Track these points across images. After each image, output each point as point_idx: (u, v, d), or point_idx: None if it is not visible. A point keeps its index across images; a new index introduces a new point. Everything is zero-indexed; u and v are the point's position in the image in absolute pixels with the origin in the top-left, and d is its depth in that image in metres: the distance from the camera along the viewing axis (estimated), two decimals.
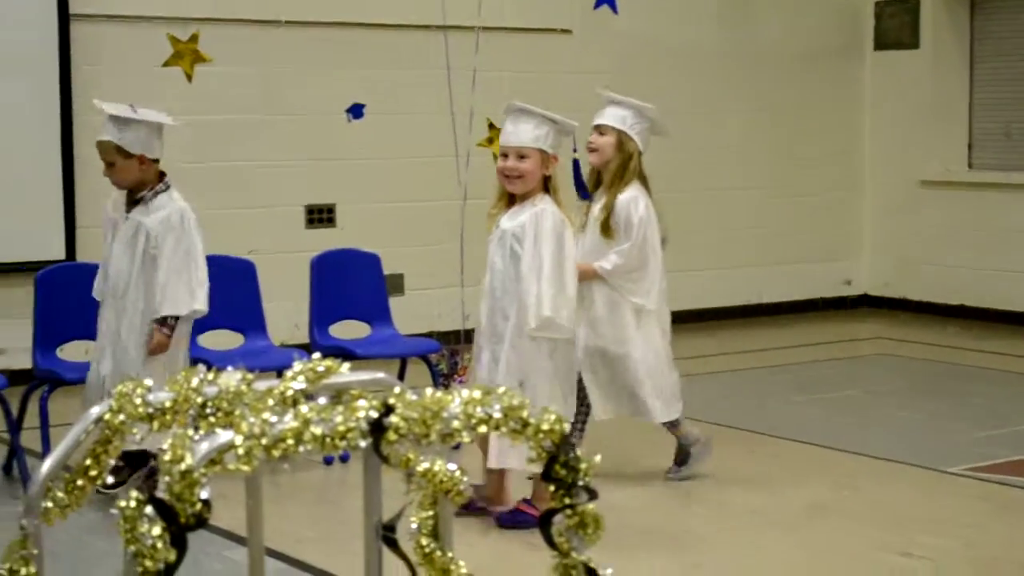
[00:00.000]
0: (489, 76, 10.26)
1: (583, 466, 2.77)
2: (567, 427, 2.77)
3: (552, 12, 10.72)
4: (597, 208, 6.51)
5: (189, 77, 9.02)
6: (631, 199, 6.46)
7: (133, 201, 6.31)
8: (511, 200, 5.92)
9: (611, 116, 6.56)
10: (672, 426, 6.65)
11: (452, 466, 2.94)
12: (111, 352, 6.27)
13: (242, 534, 5.47)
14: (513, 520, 5.84)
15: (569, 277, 5.77)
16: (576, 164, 6.39)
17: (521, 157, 5.82)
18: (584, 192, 6.47)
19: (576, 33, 10.81)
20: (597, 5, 10.78)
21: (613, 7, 10.75)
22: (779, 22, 11.80)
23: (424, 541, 3.01)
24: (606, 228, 6.45)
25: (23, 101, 8.73)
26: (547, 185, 5.89)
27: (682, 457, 6.69)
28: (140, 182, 6.30)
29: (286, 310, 8.81)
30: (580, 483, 2.77)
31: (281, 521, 5.77)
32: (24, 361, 7.65)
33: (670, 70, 11.23)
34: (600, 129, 6.55)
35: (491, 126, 9.14)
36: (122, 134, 6.24)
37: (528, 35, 10.60)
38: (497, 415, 2.71)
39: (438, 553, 3.00)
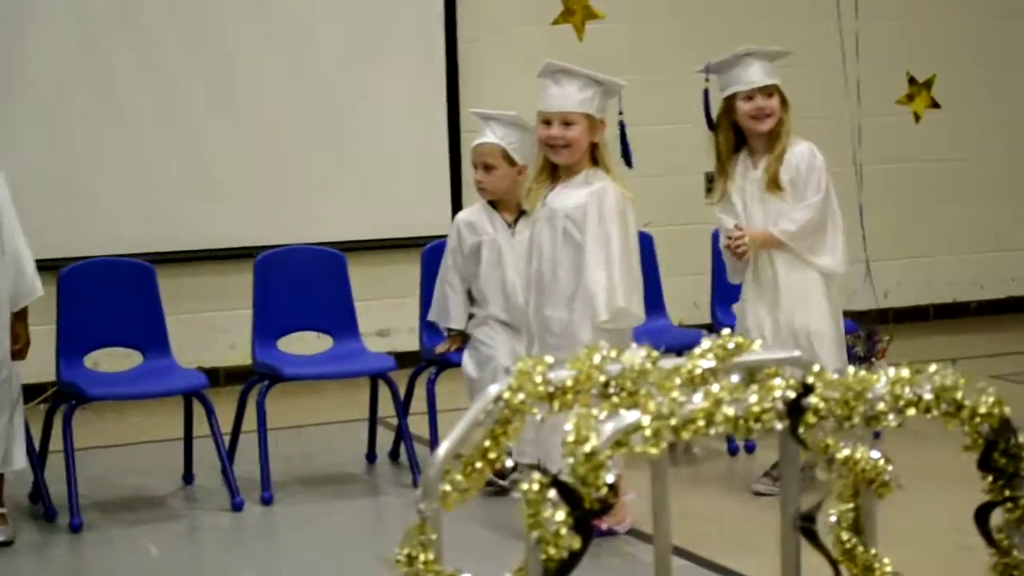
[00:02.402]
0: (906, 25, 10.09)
1: None
2: (1007, 410, 2.74)
3: None
4: (760, 168, 6.25)
5: (580, 36, 9.20)
6: (808, 148, 6.23)
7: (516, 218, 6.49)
8: (553, 171, 5.78)
9: (767, 72, 6.29)
10: None
11: (876, 454, 2.94)
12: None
13: (640, 528, 5.61)
14: None
15: (636, 261, 5.68)
16: (623, 128, 6.11)
17: (566, 124, 5.67)
18: (630, 161, 6.14)
19: None
20: None
21: None
22: None
23: (844, 536, 3.02)
24: (775, 183, 6.19)
25: (409, 68, 9.06)
26: (594, 155, 5.74)
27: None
28: (506, 195, 6.48)
29: (684, 287, 8.87)
30: (1023, 473, 2.74)
31: (682, 516, 5.83)
32: (410, 342, 7.98)
33: None
34: (767, 90, 6.26)
35: (911, 81, 9.00)
36: (511, 140, 6.40)
37: None
38: (928, 396, 2.71)
39: (860, 549, 3.01)
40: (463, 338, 6.59)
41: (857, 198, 8.01)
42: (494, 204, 6.53)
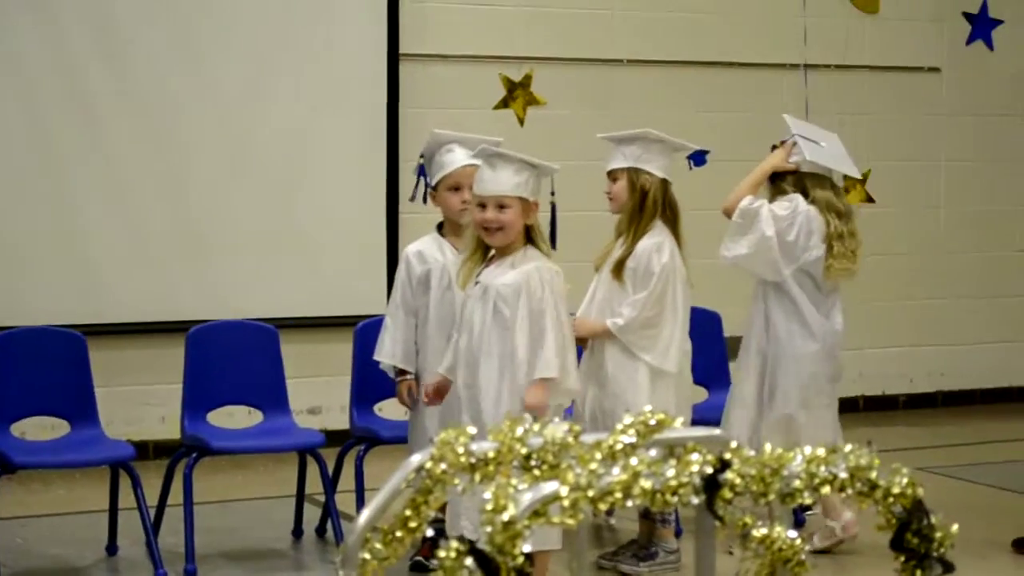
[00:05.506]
0: (850, 119, 10.22)
1: (938, 535, 2.78)
2: (920, 491, 2.79)
3: (918, 49, 10.60)
4: (618, 250, 6.36)
5: (521, 120, 9.28)
6: (655, 245, 6.28)
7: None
8: (486, 251, 5.88)
9: (617, 158, 6.42)
10: (648, 515, 6.32)
11: (792, 533, 2.97)
12: None
13: None
14: None
15: (571, 335, 5.78)
16: (554, 210, 6.27)
17: (501, 207, 5.76)
18: (554, 243, 6.22)
19: (945, 72, 10.66)
20: (970, 40, 10.67)
21: (988, 43, 10.62)
22: None
23: None
24: (618, 270, 6.29)
25: (349, 144, 9.10)
26: (529, 235, 5.85)
27: (646, 551, 6.35)
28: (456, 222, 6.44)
29: None
30: (934, 554, 2.78)
31: None
32: (341, 421, 7.98)
33: None
34: (612, 175, 6.43)
35: (845, 175, 9.09)
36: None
37: (892, 74, 10.51)
38: (843, 475, 2.75)
39: None
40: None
41: None
42: (442, 233, 6.53)
